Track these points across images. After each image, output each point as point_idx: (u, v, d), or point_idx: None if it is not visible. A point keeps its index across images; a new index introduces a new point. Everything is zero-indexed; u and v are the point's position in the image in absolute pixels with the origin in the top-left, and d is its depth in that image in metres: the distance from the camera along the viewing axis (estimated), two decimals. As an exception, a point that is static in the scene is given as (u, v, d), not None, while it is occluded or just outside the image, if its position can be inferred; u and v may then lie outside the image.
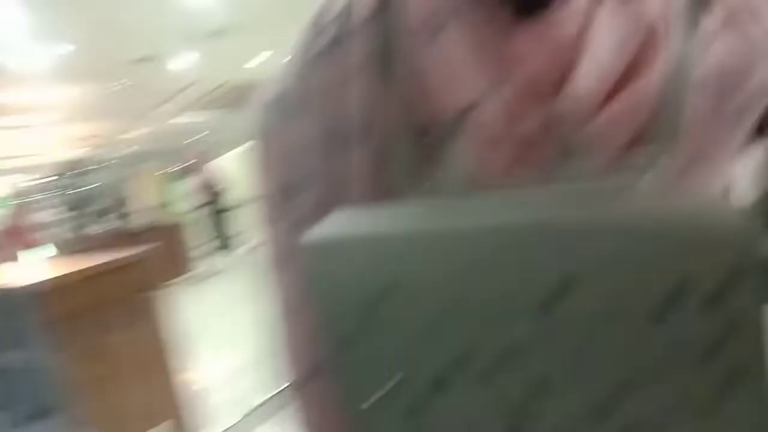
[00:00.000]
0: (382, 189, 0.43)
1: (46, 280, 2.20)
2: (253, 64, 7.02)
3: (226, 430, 2.86)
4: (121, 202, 9.97)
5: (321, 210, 0.43)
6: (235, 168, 10.68)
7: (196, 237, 8.96)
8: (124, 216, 9.63)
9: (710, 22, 0.40)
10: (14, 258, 6.31)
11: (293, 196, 0.48)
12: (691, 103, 0.39)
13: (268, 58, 6.77)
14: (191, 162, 10.89)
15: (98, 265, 2.40)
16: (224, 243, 9.76)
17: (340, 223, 0.41)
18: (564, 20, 0.40)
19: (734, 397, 0.32)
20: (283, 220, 0.49)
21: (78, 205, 9.39)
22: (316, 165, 0.46)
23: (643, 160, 0.38)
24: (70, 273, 2.30)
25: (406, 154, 0.42)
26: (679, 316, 0.32)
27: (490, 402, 0.37)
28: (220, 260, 8.88)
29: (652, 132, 0.39)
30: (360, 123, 0.44)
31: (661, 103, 0.39)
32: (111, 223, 9.06)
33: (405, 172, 0.42)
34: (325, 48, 0.45)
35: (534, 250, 0.35)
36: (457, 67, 0.41)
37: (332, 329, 0.41)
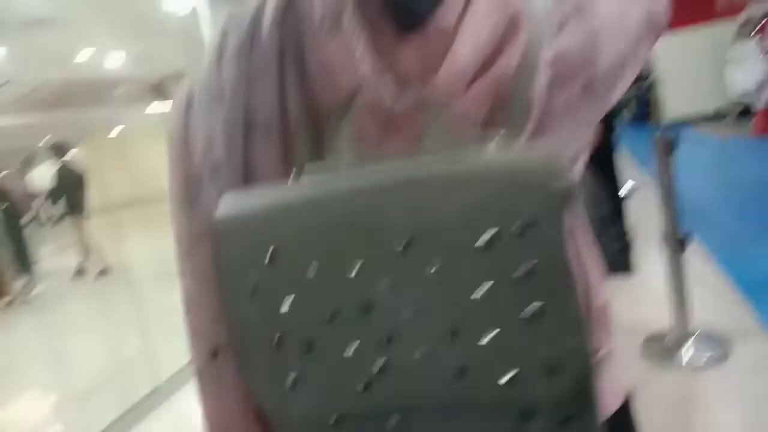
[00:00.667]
0: (289, 172, 0.49)
1: None
2: (79, 60, 6.48)
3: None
4: None
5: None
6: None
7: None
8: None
9: (559, 13, 0.50)
10: None
11: (205, 184, 0.52)
12: (539, 83, 0.48)
13: (94, 54, 6.29)
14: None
15: None
16: (24, 264, 8.22)
17: (235, 203, 0.46)
18: (444, 15, 0.49)
19: (543, 314, 0.39)
20: (193, 209, 0.53)
21: None
22: (229, 154, 0.51)
23: (497, 133, 0.45)
24: None
25: (308, 139, 0.50)
26: (501, 245, 0.38)
27: (349, 359, 0.43)
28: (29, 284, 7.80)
29: (507, 107, 0.48)
30: (270, 112, 0.50)
31: (514, 82, 0.48)
32: None
33: (307, 155, 0.49)
34: (239, 47, 0.51)
35: (381, 210, 0.41)
36: (347, 57, 0.49)
37: (232, 300, 0.46)
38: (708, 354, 2.39)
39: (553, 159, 0.41)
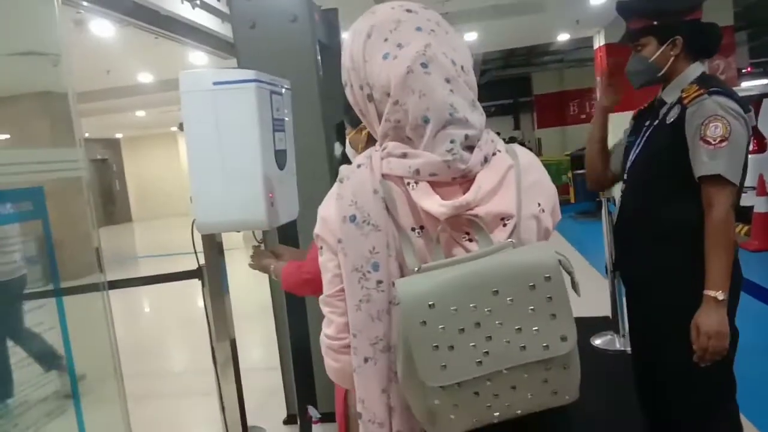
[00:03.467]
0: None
1: None
2: None
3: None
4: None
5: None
6: None
7: None
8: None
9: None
10: None
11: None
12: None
13: None
14: None
15: None
16: None
17: (407, 282, 0.88)
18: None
19: (555, 317, 0.87)
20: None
21: None
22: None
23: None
24: None
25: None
26: (537, 287, 0.87)
27: (471, 349, 0.86)
28: None
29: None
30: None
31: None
32: None
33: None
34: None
35: (481, 277, 0.86)
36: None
37: (410, 329, 0.85)
38: None
39: (551, 250, 0.88)
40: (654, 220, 1.77)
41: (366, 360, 0.92)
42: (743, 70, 10.63)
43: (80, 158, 2.54)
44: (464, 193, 0.89)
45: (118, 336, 2.19)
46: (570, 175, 10.78)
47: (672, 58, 1.76)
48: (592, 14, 8.38)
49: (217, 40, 6.29)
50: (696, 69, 1.77)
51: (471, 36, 9.17)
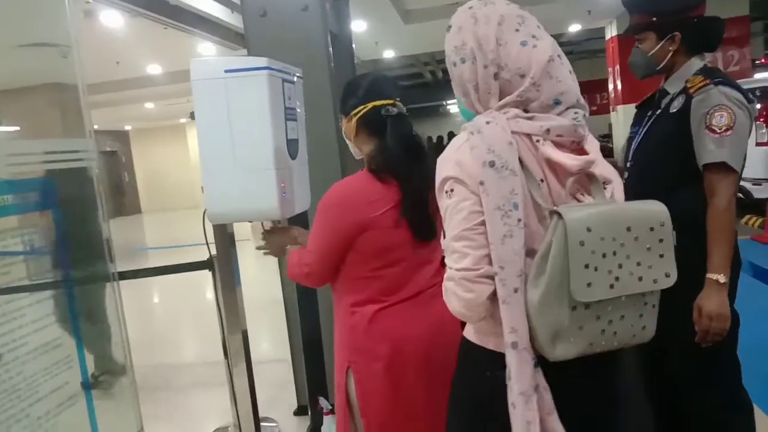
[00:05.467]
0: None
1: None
2: None
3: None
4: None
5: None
6: None
7: None
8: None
9: None
10: None
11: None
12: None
13: None
14: None
15: None
16: None
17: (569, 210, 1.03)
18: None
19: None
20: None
21: None
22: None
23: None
24: None
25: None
26: (660, 229, 1.12)
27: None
28: None
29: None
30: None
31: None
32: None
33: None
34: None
35: (624, 215, 1.08)
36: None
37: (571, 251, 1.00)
38: None
39: (663, 205, 1.11)
40: None
41: (516, 290, 1.03)
42: (757, 61, 10.48)
43: (90, 149, 2.53)
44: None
45: (129, 328, 2.18)
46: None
47: (670, 53, 1.81)
48: (604, 5, 8.29)
49: (227, 31, 6.27)
50: (696, 63, 1.81)
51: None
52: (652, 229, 1.05)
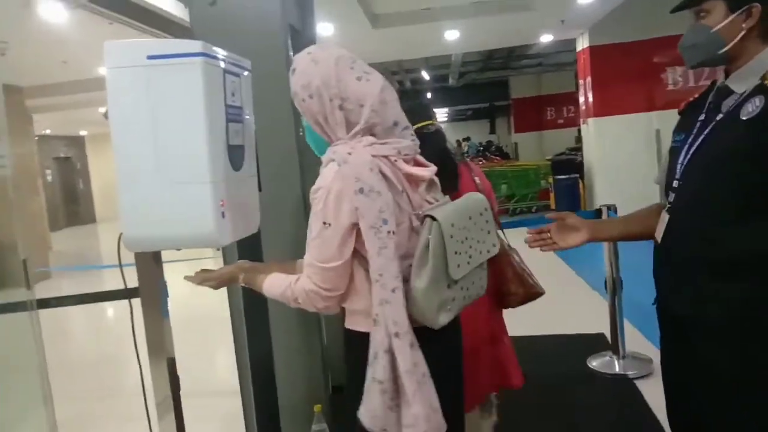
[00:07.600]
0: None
1: None
2: None
3: None
4: None
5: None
6: None
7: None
8: None
9: None
10: None
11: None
12: None
13: None
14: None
15: None
16: None
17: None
18: None
19: None
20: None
21: None
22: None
23: None
24: None
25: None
26: None
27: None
28: None
29: None
30: None
31: None
32: None
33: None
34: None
35: (467, 209, 1.49)
36: None
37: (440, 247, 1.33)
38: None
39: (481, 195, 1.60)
40: (720, 248, 1.36)
41: (394, 290, 1.25)
42: None
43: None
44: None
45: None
46: (551, 180, 10.52)
47: (743, 32, 1.33)
48: (579, 14, 8.12)
49: (180, 28, 5.79)
50: None
51: (453, 35, 8.82)
52: (481, 214, 1.47)
